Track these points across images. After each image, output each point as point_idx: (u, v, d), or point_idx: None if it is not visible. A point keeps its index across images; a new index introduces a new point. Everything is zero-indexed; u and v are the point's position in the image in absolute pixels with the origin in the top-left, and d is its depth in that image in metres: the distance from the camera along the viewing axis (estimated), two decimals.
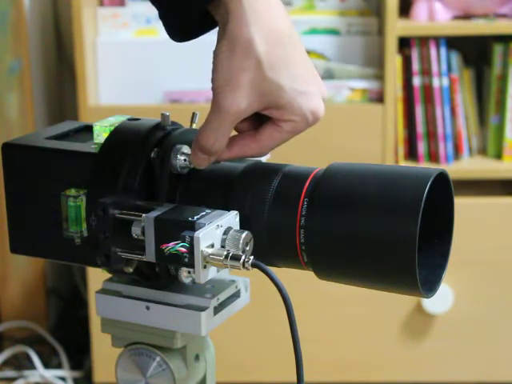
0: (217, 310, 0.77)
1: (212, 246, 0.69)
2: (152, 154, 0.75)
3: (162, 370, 0.78)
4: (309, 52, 1.91)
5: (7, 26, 1.95)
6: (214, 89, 0.72)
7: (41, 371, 2.02)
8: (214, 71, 0.72)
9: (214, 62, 0.72)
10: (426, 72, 1.88)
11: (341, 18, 1.91)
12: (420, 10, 1.88)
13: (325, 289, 1.82)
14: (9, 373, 2.05)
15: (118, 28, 1.91)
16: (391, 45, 1.80)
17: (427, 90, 1.89)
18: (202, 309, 0.76)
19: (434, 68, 1.87)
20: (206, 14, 0.73)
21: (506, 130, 1.90)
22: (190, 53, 1.85)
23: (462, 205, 1.80)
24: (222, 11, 0.72)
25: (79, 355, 2.07)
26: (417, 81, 1.89)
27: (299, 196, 0.72)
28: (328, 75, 1.89)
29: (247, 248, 0.70)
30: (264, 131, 0.74)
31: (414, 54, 1.88)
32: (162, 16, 0.76)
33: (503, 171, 1.91)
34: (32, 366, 2.04)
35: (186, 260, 0.68)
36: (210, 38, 0.79)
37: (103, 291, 0.80)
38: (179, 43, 0.80)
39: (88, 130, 0.81)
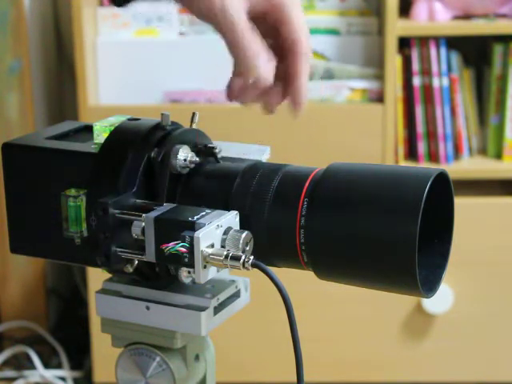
0: (217, 309, 0.77)
1: (212, 246, 0.69)
2: (152, 154, 0.75)
3: (161, 369, 0.78)
4: None
5: (7, 26, 1.95)
6: (206, 14, 0.72)
7: (41, 371, 2.02)
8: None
9: None
10: (426, 72, 1.88)
11: (341, 17, 1.91)
12: (420, 10, 1.88)
13: (325, 289, 1.82)
14: (9, 373, 2.05)
15: (118, 28, 1.91)
16: (391, 45, 1.80)
17: (427, 90, 1.89)
18: (202, 309, 0.76)
19: (434, 68, 1.87)
20: None
21: (506, 130, 1.90)
22: (190, 53, 1.85)
23: (462, 205, 1.80)
24: None
25: (79, 355, 2.07)
26: (417, 81, 1.89)
27: (299, 196, 0.72)
28: (328, 75, 1.89)
29: (247, 248, 0.70)
30: (287, 63, 0.75)
31: (414, 54, 1.88)
32: None
33: (503, 171, 1.91)
34: (32, 366, 2.04)
35: (186, 260, 0.68)
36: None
37: (103, 291, 0.80)
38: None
39: (88, 129, 0.81)
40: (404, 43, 1.88)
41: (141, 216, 0.71)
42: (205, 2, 0.72)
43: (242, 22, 0.72)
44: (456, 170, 1.88)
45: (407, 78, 1.90)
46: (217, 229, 0.69)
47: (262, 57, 0.73)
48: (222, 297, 0.78)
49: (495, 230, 1.86)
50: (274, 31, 0.76)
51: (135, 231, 0.71)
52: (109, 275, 0.80)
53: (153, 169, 0.75)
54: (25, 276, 2.09)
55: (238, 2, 0.72)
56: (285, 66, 0.77)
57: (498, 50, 1.89)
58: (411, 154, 1.94)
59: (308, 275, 0.77)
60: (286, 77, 0.77)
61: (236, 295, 0.80)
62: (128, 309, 0.78)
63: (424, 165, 1.91)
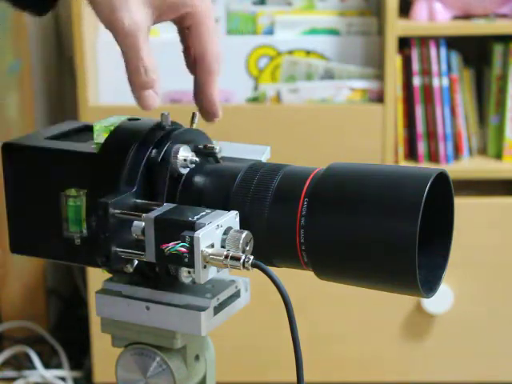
0: (217, 310, 0.77)
1: (212, 246, 0.69)
2: (152, 154, 0.75)
3: (162, 369, 0.78)
4: (309, 52, 1.91)
5: (7, 26, 1.95)
6: (106, 24, 0.70)
7: (41, 371, 2.02)
8: (94, 10, 0.70)
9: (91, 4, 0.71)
10: (426, 72, 1.88)
11: (341, 17, 1.91)
12: (420, 10, 1.88)
13: (325, 289, 1.82)
14: (9, 373, 2.05)
15: None
16: (391, 45, 1.80)
17: (427, 90, 1.89)
18: (202, 309, 0.76)
19: (434, 68, 1.87)
20: None
21: (506, 130, 1.90)
22: None
23: (462, 205, 1.80)
24: None
25: (79, 355, 2.07)
26: (417, 81, 1.89)
27: (299, 196, 0.72)
28: (328, 75, 1.89)
29: (247, 248, 0.70)
30: (189, 51, 0.76)
31: (414, 54, 1.88)
32: None
33: (503, 171, 1.91)
34: (32, 366, 2.04)
35: (186, 260, 0.68)
36: None
37: (103, 291, 0.80)
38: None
39: (88, 129, 0.81)
40: (404, 43, 1.88)
41: (141, 216, 0.71)
42: (104, 10, 0.70)
43: (138, 40, 0.71)
44: (456, 169, 1.88)
45: (407, 78, 1.90)
46: (217, 229, 0.69)
47: (148, 85, 0.73)
48: (222, 297, 0.78)
49: (495, 230, 1.86)
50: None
51: (135, 231, 0.71)
52: (109, 275, 0.80)
53: (153, 169, 0.75)
54: (25, 276, 2.09)
55: (140, 14, 0.71)
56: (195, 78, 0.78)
57: (498, 49, 1.89)
58: (411, 153, 1.94)
59: (308, 275, 0.77)
60: (195, 89, 0.78)
61: (236, 295, 0.80)
62: (128, 309, 0.78)
63: (424, 165, 1.91)
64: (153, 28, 0.74)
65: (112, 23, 0.70)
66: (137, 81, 0.74)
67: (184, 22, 0.75)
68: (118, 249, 0.72)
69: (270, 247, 0.73)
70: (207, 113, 0.79)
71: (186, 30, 0.76)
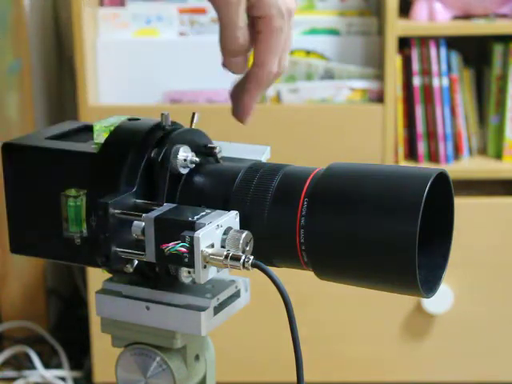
0: (217, 310, 0.77)
1: (212, 246, 0.69)
2: (152, 154, 0.75)
3: (162, 370, 0.78)
4: (309, 52, 1.91)
5: (7, 26, 1.95)
6: None
7: (41, 371, 2.02)
8: None
9: None
10: (426, 72, 1.88)
11: (341, 17, 1.91)
12: (420, 10, 1.88)
13: (325, 289, 1.82)
14: (9, 373, 2.05)
15: (118, 28, 1.91)
16: (391, 45, 1.80)
17: (427, 90, 1.89)
18: (202, 309, 0.76)
19: (434, 68, 1.87)
20: None
21: (506, 130, 1.90)
22: (190, 53, 1.85)
23: (462, 205, 1.80)
24: None
25: (79, 355, 2.07)
26: (417, 81, 1.89)
27: (299, 196, 0.72)
28: (328, 75, 1.89)
29: (247, 248, 0.70)
30: (256, 47, 0.77)
31: (414, 54, 1.88)
32: None
33: (503, 171, 1.91)
34: (32, 366, 2.04)
35: (186, 260, 0.68)
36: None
37: (103, 291, 0.80)
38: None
39: (88, 129, 0.81)
40: (404, 43, 1.88)
41: (141, 216, 0.71)
42: None
43: (238, 10, 0.73)
44: (456, 169, 1.88)
45: (407, 78, 1.90)
46: (217, 229, 0.69)
47: (238, 52, 0.75)
48: (222, 297, 0.78)
49: (495, 230, 1.86)
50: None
51: (135, 231, 0.71)
52: (109, 275, 0.80)
53: (153, 169, 0.75)
54: (25, 276, 2.09)
55: None
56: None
57: (498, 49, 1.89)
58: (411, 153, 1.94)
59: (308, 275, 0.77)
60: (237, 87, 0.79)
61: (236, 295, 0.80)
62: (128, 309, 0.78)
63: (424, 165, 1.91)
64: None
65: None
66: (231, 46, 0.75)
67: (256, 26, 0.76)
68: (118, 249, 0.72)
69: (270, 247, 0.73)
70: (235, 113, 0.80)
71: (256, 34, 0.77)
